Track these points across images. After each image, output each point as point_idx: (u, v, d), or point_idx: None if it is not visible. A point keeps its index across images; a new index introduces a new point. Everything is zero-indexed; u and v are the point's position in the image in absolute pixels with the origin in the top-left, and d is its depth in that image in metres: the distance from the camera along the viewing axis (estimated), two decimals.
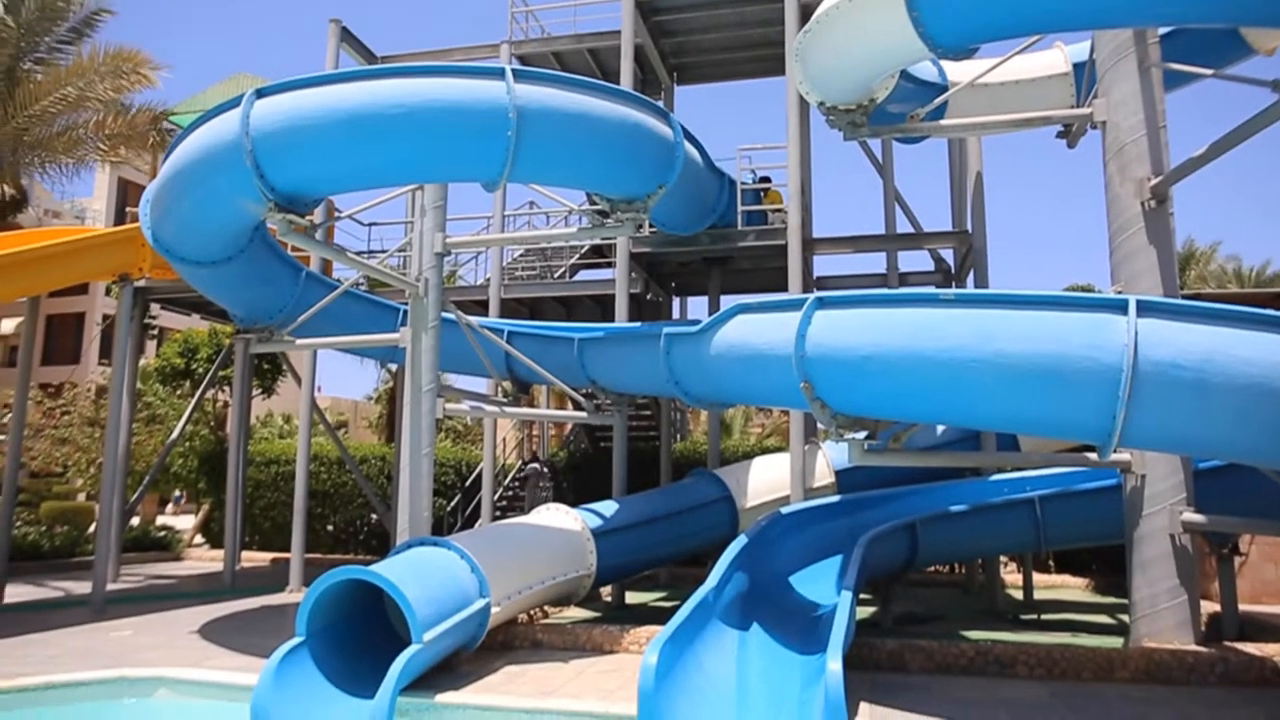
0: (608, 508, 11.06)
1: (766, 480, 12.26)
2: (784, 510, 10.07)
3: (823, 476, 12.23)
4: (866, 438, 8.26)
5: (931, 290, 9.31)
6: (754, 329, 8.19)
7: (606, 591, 12.41)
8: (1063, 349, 6.36)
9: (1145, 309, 6.25)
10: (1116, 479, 9.45)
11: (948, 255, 15.14)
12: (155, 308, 19.15)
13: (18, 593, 13.19)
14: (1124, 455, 8.60)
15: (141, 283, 14.89)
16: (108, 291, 35.11)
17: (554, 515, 10.50)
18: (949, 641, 8.66)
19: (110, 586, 13.15)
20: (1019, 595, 13.14)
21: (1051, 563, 15.62)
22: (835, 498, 11.26)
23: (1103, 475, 10.45)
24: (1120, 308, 6.28)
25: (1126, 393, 6.08)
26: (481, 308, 14.64)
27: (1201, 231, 70.67)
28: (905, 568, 10.77)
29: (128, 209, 30.83)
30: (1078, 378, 6.29)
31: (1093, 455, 8.41)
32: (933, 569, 15.61)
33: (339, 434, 22.60)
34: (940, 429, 11.98)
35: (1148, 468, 8.59)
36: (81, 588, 13.68)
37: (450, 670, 8.01)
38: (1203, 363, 5.99)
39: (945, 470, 12.08)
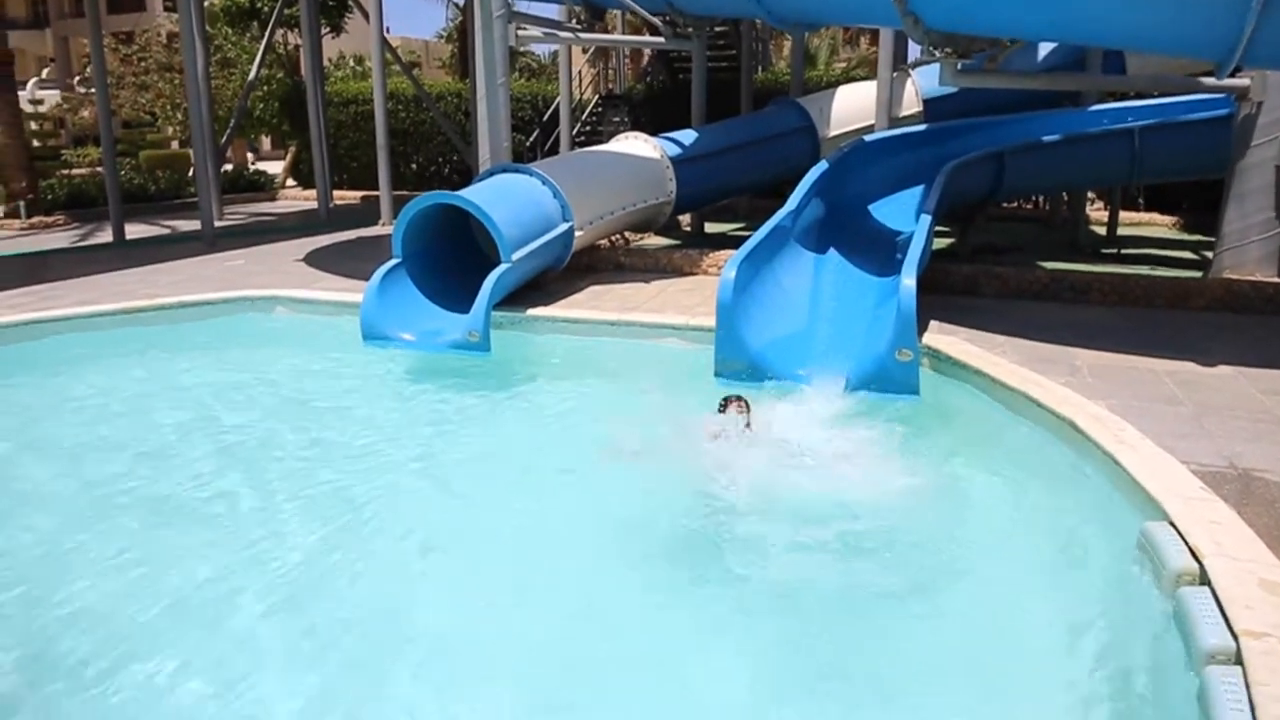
0: (687, 136, 10.96)
1: (851, 109, 11.85)
2: (867, 138, 9.82)
3: (910, 105, 11.74)
4: (960, 57, 7.77)
5: None
6: None
7: (685, 221, 12.67)
8: None
9: None
10: (1227, 109, 8.86)
11: None
12: None
13: (134, 231, 14.11)
14: (1243, 80, 7.98)
15: None
16: None
17: (633, 143, 10.47)
18: (1024, 269, 8.75)
19: (216, 224, 13.90)
20: (1102, 231, 12.97)
21: (1141, 200, 15.19)
22: (922, 127, 10.88)
23: (1212, 105, 9.79)
24: None
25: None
26: None
27: None
28: (988, 198, 10.62)
29: None
30: None
31: (1208, 79, 7.82)
32: (1014, 203, 15.39)
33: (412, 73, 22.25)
34: (1041, 51, 11.16)
35: (1267, 95, 8.00)
36: (190, 225, 14.55)
37: (539, 289, 8.53)
38: None
39: (1041, 99, 11.44)
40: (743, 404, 5.27)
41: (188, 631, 3.56)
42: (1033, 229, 13.92)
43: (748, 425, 5.14)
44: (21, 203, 15.45)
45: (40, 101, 32.63)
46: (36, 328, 7.69)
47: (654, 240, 11.47)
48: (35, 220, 15.38)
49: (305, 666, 3.35)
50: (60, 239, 13.92)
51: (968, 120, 10.91)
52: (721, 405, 5.25)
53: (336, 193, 18.92)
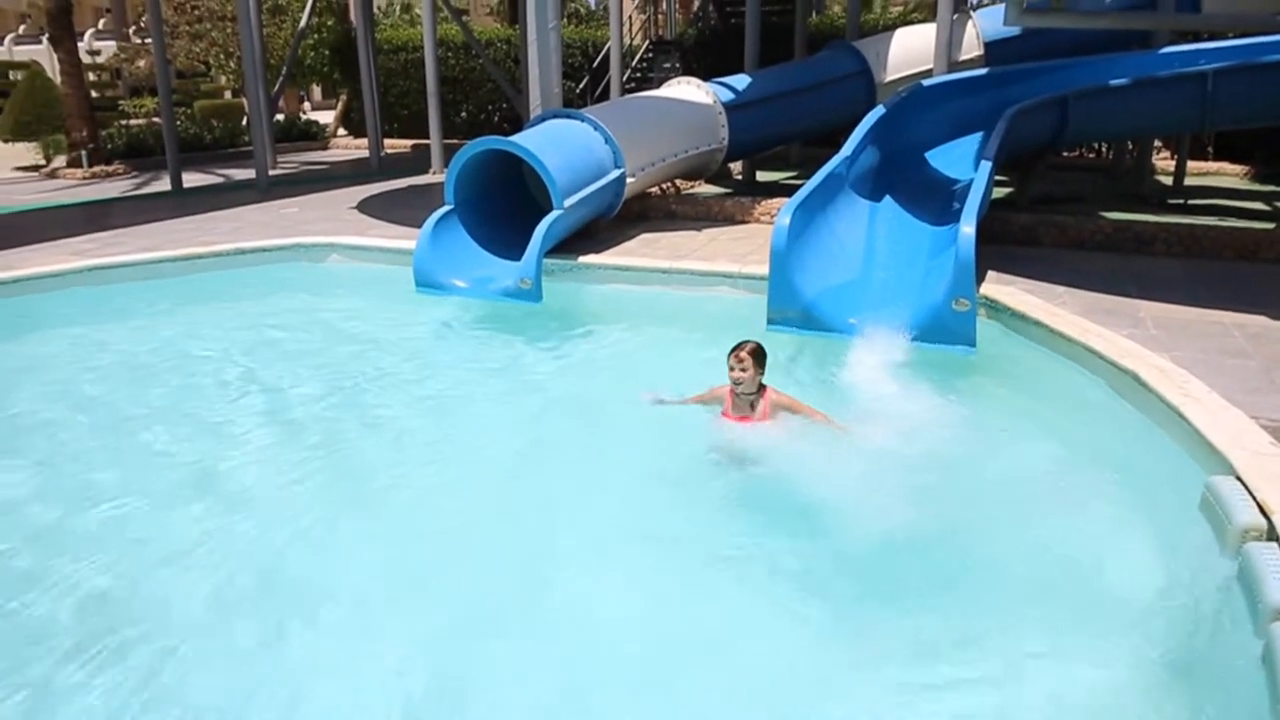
0: (739, 81, 10.77)
1: (908, 53, 11.54)
2: (925, 83, 9.54)
3: (970, 49, 11.38)
4: None
5: None
6: None
7: (737, 169, 12.50)
8: None
9: None
10: None
11: None
12: None
13: (191, 179, 14.33)
14: None
15: None
16: None
17: (685, 89, 10.32)
18: (1086, 219, 8.51)
19: (270, 172, 14.06)
20: (1168, 181, 12.54)
21: (1210, 148, 14.63)
22: (982, 71, 10.54)
23: None
24: None
25: None
26: None
27: None
28: (1050, 146, 10.29)
29: None
30: None
31: None
32: (1076, 152, 14.92)
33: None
34: None
35: None
36: (244, 174, 14.73)
37: (590, 237, 8.52)
38: None
39: (1109, 41, 11.00)
40: (744, 355, 4.46)
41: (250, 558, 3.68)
42: (1095, 178, 13.51)
43: (759, 388, 4.55)
44: (83, 151, 15.80)
45: (97, 52, 33.02)
46: (100, 273, 7.89)
47: (705, 188, 11.34)
48: (96, 169, 15.73)
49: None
50: (120, 187, 14.21)
51: (1030, 64, 10.54)
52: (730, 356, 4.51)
53: (387, 141, 18.98)
